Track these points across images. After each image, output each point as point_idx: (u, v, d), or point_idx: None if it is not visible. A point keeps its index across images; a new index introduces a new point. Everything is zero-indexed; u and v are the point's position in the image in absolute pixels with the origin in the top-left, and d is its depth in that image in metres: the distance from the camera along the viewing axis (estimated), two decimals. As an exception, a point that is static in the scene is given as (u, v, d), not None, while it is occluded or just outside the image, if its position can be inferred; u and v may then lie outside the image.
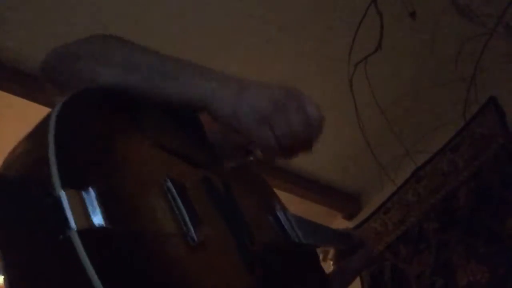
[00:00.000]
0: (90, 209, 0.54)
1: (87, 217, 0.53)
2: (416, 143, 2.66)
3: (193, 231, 0.65)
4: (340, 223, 3.32)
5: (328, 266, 3.60)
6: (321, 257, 3.55)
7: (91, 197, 0.55)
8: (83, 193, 0.54)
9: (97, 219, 0.54)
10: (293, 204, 3.30)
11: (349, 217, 3.27)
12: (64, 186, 0.53)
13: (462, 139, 2.62)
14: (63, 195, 0.53)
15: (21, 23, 2.23)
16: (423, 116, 2.72)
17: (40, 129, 0.62)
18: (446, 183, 2.63)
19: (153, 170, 0.69)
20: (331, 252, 3.44)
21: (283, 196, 3.30)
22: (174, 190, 0.67)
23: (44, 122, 0.61)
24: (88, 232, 0.52)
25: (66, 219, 0.52)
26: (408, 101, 2.57)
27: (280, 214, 1.00)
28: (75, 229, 0.51)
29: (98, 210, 0.54)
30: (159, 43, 0.86)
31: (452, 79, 2.24)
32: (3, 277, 0.55)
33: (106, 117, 0.71)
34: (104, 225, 0.54)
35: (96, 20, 2.17)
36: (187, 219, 0.65)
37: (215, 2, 2.24)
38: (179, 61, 0.81)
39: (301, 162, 3.03)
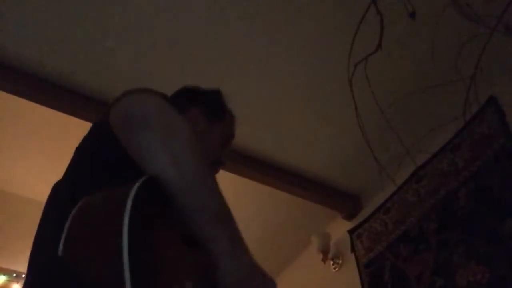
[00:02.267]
0: None
1: None
2: (416, 143, 2.66)
3: None
4: (340, 223, 3.32)
5: (328, 266, 3.62)
6: (321, 257, 3.56)
7: None
8: None
9: None
10: (293, 204, 3.31)
11: (349, 217, 3.27)
12: None
13: (462, 139, 2.62)
14: None
15: (18, 23, 2.24)
16: (423, 116, 2.72)
17: (112, 222, 0.69)
18: (446, 183, 2.63)
19: (180, 269, 0.79)
20: (331, 252, 3.44)
21: (283, 196, 3.33)
22: None
23: (117, 214, 0.69)
24: None
25: None
26: (408, 101, 2.56)
27: None
28: None
29: None
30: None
31: (452, 79, 2.24)
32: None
33: (157, 213, 0.80)
34: None
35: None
36: None
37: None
38: (231, 216, 0.93)
39: (301, 162, 3.04)
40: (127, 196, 0.71)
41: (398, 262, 2.77)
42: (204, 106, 1.36)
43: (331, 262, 3.30)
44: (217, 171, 1.34)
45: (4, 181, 3.16)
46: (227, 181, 3.48)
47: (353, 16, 2.03)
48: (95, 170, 0.94)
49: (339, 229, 3.30)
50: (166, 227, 0.81)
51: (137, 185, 0.73)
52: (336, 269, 3.26)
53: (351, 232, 3.18)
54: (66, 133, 3.12)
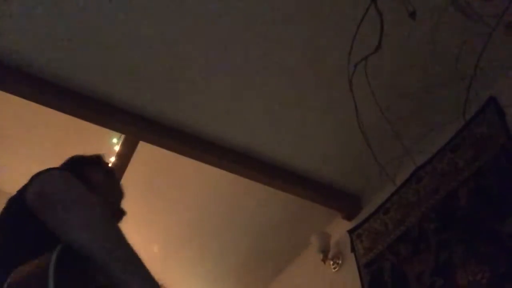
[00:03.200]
0: None
1: None
2: (416, 143, 2.66)
3: None
4: (340, 223, 3.32)
5: (328, 266, 3.62)
6: (321, 257, 3.57)
7: None
8: None
9: None
10: (293, 204, 3.30)
11: (349, 217, 3.27)
12: None
13: (462, 139, 2.62)
14: None
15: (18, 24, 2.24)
16: (423, 116, 2.72)
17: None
18: (446, 183, 2.63)
19: None
20: (331, 252, 3.45)
21: (283, 196, 3.32)
22: None
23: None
24: None
25: None
26: (408, 101, 2.57)
27: None
28: None
29: None
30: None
31: (452, 79, 2.24)
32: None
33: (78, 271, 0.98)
34: None
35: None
36: None
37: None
38: (140, 260, 1.05)
39: (301, 162, 3.03)
40: (48, 266, 0.89)
41: (398, 262, 2.77)
42: (92, 165, 1.53)
43: (331, 262, 3.29)
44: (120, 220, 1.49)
45: (4, 181, 3.15)
46: (227, 181, 3.50)
47: (353, 16, 2.03)
48: (18, 244, 1.11)
49: (339, 229, 3.30)
50: (87, 282, 0.99)
51: (54, 255, 0.91)
52: (336, 269, 3.26)
53: (351, 232, 3.18)
54: (67, 133, 3.13)
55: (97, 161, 1.57)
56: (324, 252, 3.29)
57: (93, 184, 1.41)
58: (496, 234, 2.28)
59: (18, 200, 1.17)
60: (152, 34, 2.34)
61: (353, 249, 3.13)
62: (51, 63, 2.39)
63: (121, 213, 1.50)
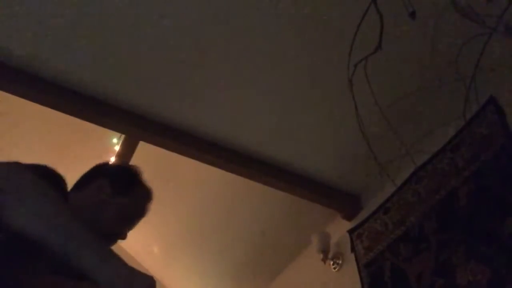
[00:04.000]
0: None
1: None
2: (416, 143, 2.66)
3: None
4: (340, 223, 3.32)
5: (328, 266, 3.61)
6: (321, 257, 3.56)
7: None
8: None
9: None
10: (293, 204, 3.31)
11: (349, 217, 3.27)
12: None
13: (462, 139, 2.61)
14: None
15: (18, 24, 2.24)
16: (423, 116, 2.72)
17: None
18: (446, 183, 2.63)
19: None
20: (331, 252, 3.45)
21: (283, 196, 3.32)
22: None
23: None
24: None
25: None
26: (408, 101, 2.57)
27: None
28: None
29: None
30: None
31: (452, 79, 2.24)
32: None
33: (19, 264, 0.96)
34: None
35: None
36: None
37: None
38: (94, 238, 0.99)
39: (302, 162, 3.03)
40: None
41: (398, 262, 2.77)
42: (111, 179, 1.43)
43: (331, 262, 3.29)
44: (113, 243, 1.41)
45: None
46: (227, 181, 3.50)
47: (353, 16, 2.03)
48: None
49: (339, 229, 3.30)
50: (34, 271, 0.97)
51: None
52: (336, 269, 3.26)
53: (351, 232, 3.18)
54: (67, 133, 3.13)
55: (119, 173, 1.48)
56: (324, 252, 3.28)
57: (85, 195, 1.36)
58: (496, 234, 2.28)
59: None
60: (152, 34, 2.34)
61: (353, 249, 3.13)
62: (51, 63, 2.39)
63: (115, 237, 1.42)
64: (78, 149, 3.15)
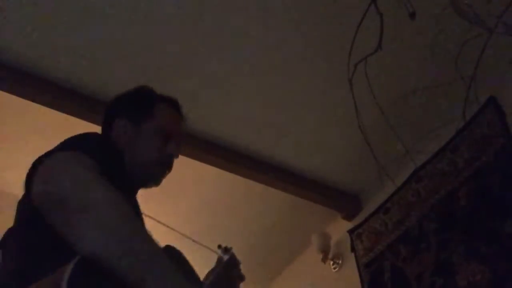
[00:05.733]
0: None
1: None
2: (416, 143, 2.66)
3: None
4: (340, 223, 3.32)
5: (328, 266, 3.61)
6: (321, 257, 3.56)
7: None
8: None
9: None
10: (293, 204, 3.30)
11: (349, 217, 3.27)
12: None
13: (462, 139, 2.61)
14: None
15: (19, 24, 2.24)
16: (424, 116, 2.72)
17: None
18: (446, 183, 2.63)
19: None
20: (331, 252, 3.44)
21: (283, 196, 3.32)
22: None
23: None
24: None
25: None
26: (408, 101, 2.57)
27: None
28: None
29: None
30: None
31: (452, 79, 2.24)
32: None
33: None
34: None
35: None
36: None
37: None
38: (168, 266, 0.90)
39: (301, 162, 3.03)
40: (61, 281, 0.73)
41: (398, 262, 2.77)
42: (126, 112, 1.34)
43: (331, 262, 3.29)
44: (170, 168, 1.35)
45: (4, 181, 3.15)
46: (227, 181, 3.50)
47: (353, 16, 2.03)
48: (32, 257, 0.95)
49: (339, 229, 3.30)
50: None
51: (67, 273, 0.75)
52: (336, 269, 3.26)
53: (351, 232, 3.18)
54: (67, 133, 3.12)
55: (132, 100, 1.36)
56: (324, 252, 3.28)
57: (120, 147, 1.24)
58: (496, 234, 2.28)
59: (25, 203, 1.03)
60: (153, 35, 2.34)
61: (353, 249, 3.13)
62: (51, 63, 2.39)
63: (168, 159, 1.31)
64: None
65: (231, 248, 1.32)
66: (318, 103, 2.71)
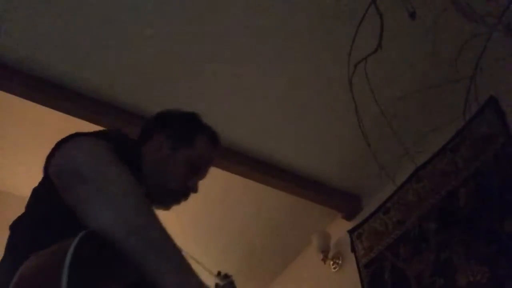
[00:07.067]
0: None
1: None
2: (416, 143, 2.66)
3: None
4: (340, 223, 3.32)
5: (328, 266, 3.61)
6: (321, 257, 3.56)
7: None
8: None
9: None
10: (293, 203, 3.30)
11: (349, 217, 3.27)
12: None
13: (462, 139, 2.61)
14: None
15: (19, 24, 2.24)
16: (423, 116, 2.72)
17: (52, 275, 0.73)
18: (446, 183, 2.63)
19: None
20: (331, 252, 3.44)
21: (283, 196, 3.32)
22: None
23: (58, 266, 0.73)
24: None
25: None
26: (408, 101, 2.57)
27: None
28: None
29: None
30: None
31: (452, 79, 2.24)
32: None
33: (100, 264, 0.82)
34: None
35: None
36: None
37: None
38: (176, 249, 0.90)
39: (302, 162, 3.03)
40: (64, 256, 0.74)
41: (398, 262, 2.77)
42: (171, 131, 1.35)
43: (331, 262, 3.29)
44: (185, 198, 1.36)
45: (4, 181, 3.16)
46: (227, 181, 3.50)
47: (353, 16, 2.03)
48: (45, 226, 0.96)
49: (339, 229, 3.30)
50: (112, 278, 0.83)
51: (73, 244, 0.76)
52: (336, 269, 3.26)
53: (351, 232, 3.18)
54: (67, 133, 3.12)
55: (179, 123, 1.36)
56: (324, 252, 3.29)
57: (147, 161, 1.25)
58: (496, 234, 2.28)
59: (41, 184, 1.06)
60: (153, 35, 2.34)
61: (353, 249, 3.13)
62: (51, 63, 2.39)
63: (187, 191, 1.32)
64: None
65: (230, 276, 1.29)
66: (318, 103, 2.71)
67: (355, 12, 2.02)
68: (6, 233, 1.06)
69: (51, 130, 2.94)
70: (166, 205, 1.34)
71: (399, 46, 2.39)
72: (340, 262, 3.26)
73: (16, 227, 1.05)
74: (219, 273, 1.30)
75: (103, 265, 0.82)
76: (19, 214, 1.08)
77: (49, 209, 0.98)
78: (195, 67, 2.49)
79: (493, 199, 2.35)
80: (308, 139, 2.91)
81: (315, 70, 2.55)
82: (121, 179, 0.93)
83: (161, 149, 1.30)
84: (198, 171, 1.36)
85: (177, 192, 1.33)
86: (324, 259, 3.29)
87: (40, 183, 1.07)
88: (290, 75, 2.58)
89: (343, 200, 3.24)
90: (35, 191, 1.08)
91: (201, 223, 3.65)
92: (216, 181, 3.30)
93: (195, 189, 1.36)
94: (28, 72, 2.38)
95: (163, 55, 2.43)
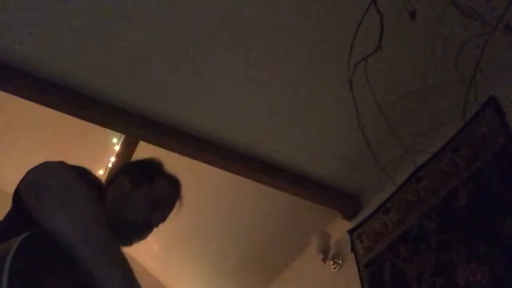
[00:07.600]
0: None
1: None
2: (416, 143, 2.66)
3: None
4: (340, 223, 3.32)
5: (328, 266, 3.61)
6: (321, 257, 3.56)
7: None
8: None
9: None
10: (293, 204, 3.30)
11: (349, 217, 3.27)
12: None
13: (462, 139, 2.61)
14: None
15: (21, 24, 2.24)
16: (423, 116, 2.72)
17: None
18: (446, 183, 2.63)
19: None
20: (331, 252, 3.44)
21: (283, 196, 3.33)
22: None
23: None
24: None
25: None
26: (408, 101, 2.57)
27: None
28: None
29: None
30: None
31: (452, 79, 2.24)
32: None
33: (48, 262, 0.90)
34: None
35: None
36: None
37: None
38: (123, 258, 0.99)
39: (301, 162, 3.03)
40: (7, 253, 0.81)
41: (398, 262, 2.77)
42: (131, 172, 1.48)
43: (331, 262, 3.29)
44: (145, 235, 1.44)
45: (4, 181, 3.16)
46: (227, 181, 3.50)
47: (353, 16, 2.03)
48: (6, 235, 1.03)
49: (339, 229, 3.30)
50: (57, 278, 0.91)
51: (16, 243, 0.83)
52: (336, 269, 3.26)
53: (351, 232, 3.18)
54: (67, 133, 3.13)
55: (141, 166, 1.51)
56: (324, 252, 3.29)
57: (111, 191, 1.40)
58: (496, 234, 2.28)
59: (14, 194, 1.17)
60: (153, 35, 2.34)
61: (353, 249, 3.13)
62: (51, 63, 2.39)
63: (145, 226, 1.42)
64: (78, 149, 3.15)
65: None
66: (318, 103, 2.71)
67: (355, 12, 2.02)
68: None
69: (52, 130, 2.95)
70: (128, 239, 1.41)
71: (399, 46, 2.39)
72: (340, 262, 3.26)
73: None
74: None
75: (48, 263, 0.90)
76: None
77: (11, 217, 1.12)
78: (195, 67, 2.49)
79: (493, 199, 2.35)
80: (308, 139, 2.91)
81: (315, 70, 2.55)
82: (82, 191, 1.04)
83: (123, 187, 1.42)
84: (158, 207, 1.45)
85: (138, 226, 1.41)
86: (324, 259, 3.29)
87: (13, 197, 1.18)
88: (290, 75, 2.58)
89: (343, 200, 3.24)
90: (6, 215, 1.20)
91: (201, 223, 3.65)
92: (216, 181, 3.30)
93: (156, 224, 1.46)
94: (27, 71, 2.38)
95: (166, 56, 2.43)
